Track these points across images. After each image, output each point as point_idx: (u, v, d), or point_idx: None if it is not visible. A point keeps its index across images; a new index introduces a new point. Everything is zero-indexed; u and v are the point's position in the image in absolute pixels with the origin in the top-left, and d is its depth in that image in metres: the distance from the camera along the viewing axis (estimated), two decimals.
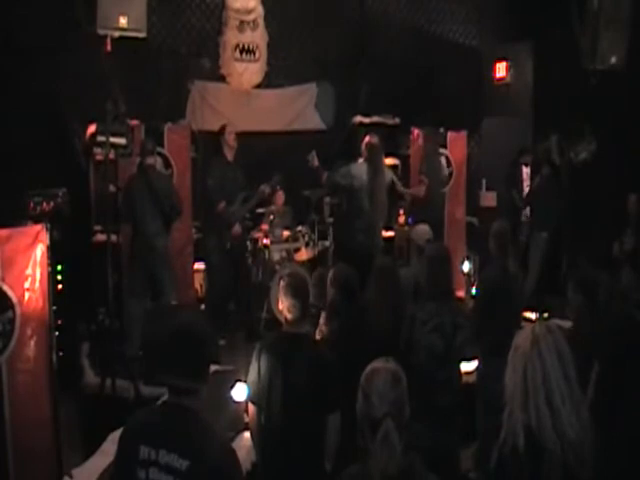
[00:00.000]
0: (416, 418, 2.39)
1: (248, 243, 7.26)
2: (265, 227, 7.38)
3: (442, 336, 3.89)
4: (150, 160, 6.32)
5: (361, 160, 6.66)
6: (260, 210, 7.53)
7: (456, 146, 8.52)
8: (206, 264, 7.24)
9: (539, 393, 2.28)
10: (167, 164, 7.07)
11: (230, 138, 6.88)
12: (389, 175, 6.88)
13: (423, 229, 5.52)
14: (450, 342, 3.89)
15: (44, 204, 5.81)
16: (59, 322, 5.05)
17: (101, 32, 5.94)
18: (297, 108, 8.74)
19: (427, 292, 4.10)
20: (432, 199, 7.78)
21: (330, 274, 4.36)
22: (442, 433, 3.78)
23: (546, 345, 2.32)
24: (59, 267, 5.57)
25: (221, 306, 7.08)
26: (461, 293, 6.86)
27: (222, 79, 8.25)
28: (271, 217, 7.49)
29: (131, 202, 6.20)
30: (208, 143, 7.40)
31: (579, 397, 2.33)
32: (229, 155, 6.90)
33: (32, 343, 3.91)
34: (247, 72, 8.23)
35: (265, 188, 6.93)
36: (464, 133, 8.58)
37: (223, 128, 6.96)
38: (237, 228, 6.85)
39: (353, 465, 2.35)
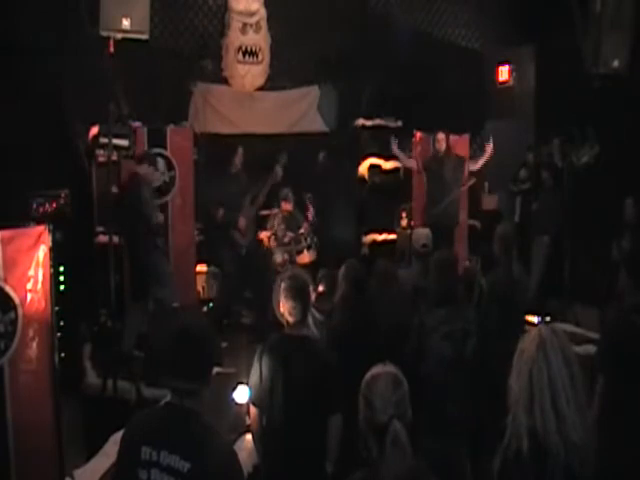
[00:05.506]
0: (426, 428, 2.36)
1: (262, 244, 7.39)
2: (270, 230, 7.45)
3: (452, 344, 3.77)
4: (142, 169, 6.24)
5: None
6: (265, 212, 7.54)
7: (459, 149, 8.49)
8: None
9: (545, 396, 2.27)
10: (170, 166, 7.08)
11: (238, 162, 6.95)
12: None
13: (421, 233, 5.45)
14: (460, 350, 3.78)
15: (46, 205, 5.83)
16: (61, 323, 5.05)
17: (104, 34, 5.93)
18: (299, 110, 8.75)
19: (435, 298, 4.05)
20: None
21: (342, 270, 4.41)
22: (452, 443, 3.69)
23: (552, 348, 2.31)
24: (61, 268, 5.57)
25: (226, 309, 7.10)
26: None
27: (225, 81, 8.27)
28: (275, 221, 7.49)
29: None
30: (211, 145, 7.40)
31: (583, 400, 2.32)
32: (233, 168, 6.96)
33: (34, 344, 3.90)
34: (250, 74, 8.24)
35: (278, 170, 6.97)
36: (466, 136, 8.56)
37: (235, 148, 7.06)
38: (242, 221, 6.84)
39: (358, 471, 2.33)
